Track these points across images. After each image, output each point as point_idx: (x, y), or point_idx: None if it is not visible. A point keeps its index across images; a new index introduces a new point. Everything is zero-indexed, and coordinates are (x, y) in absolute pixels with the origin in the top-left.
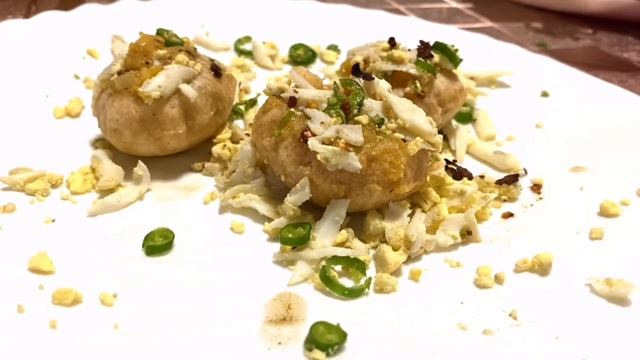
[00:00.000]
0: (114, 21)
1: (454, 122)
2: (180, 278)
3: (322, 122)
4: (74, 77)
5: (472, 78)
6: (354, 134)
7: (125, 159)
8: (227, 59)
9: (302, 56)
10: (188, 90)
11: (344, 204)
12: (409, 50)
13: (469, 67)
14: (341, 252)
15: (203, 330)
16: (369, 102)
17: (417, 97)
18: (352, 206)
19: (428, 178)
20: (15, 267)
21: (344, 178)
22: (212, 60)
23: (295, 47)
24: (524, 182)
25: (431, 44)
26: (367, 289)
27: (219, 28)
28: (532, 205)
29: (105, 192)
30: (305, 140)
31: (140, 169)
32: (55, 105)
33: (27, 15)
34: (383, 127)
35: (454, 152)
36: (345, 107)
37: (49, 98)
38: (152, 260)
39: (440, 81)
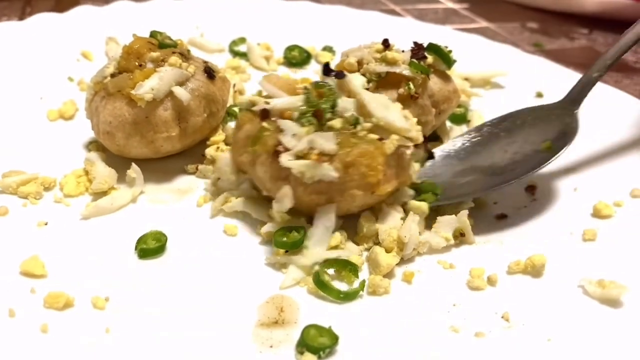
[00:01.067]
0: (108, 23)
1: (448, 123)
2: (172, 281)
3: (294, 134)
4: (67, 79)
5: (466, 79)
6: (326, 142)
7: (119, 162)
8: (221, 61)
9: (296, 57)
10: (181, 92)
11: (331, 210)
12: (403, 51)
13: (463, 68)
14: (333, 254)
15: (195, 333)
16: (343, 102)
17: (410, 99)
18: (337, 211)
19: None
20: (7, 270)
21: (322, 188)
22: (205, 62)
23: (290, 49)
24: (518, 183)
25: (425, 45)
26: (362, 292)
27: (213, 29)
28: (525, 206)
29: (99, 194)
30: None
31: (134, 171)
32: (49, 108)
33: (21, 17)
34: (359, 127)
35: None
36: (317, 115)
37: (42, 100)
38: (145, 264)
39: (434, 82)
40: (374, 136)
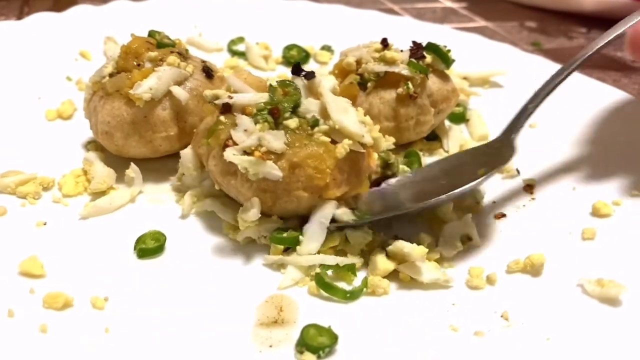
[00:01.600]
0: (107, 22)
1: (447, 123)
2: (172, 281)
3: (245, 130)
4: (66, 79)
5: (465, 78)
6: (275, 141)
7: (118, 161)
8: (220, 60)
9: (295, 57)
10: (179, 92)
11: (331, 206)
12: (402, 51)
13: (462, 67)
14: (331, 260)
15: (194, 333)
16: (307, 103)
17: (409, 98)
18: (284, 212)
19: None
20: (6, 271)
21: (268, 186)
22: (203, 61)
23: (288, 48)
24: (517, 183)
25: (424, 44)
26: (365, 289)
27: (211, 29)
28: (524, 205)
29: (97, 194)
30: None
31: (133, 171)
32: (47, 108)
33: (19, 16)
34: (316, 129)
35: (447, 153)
36: (273, 112)
37: (40, 100)
38: (144, 263)
39: (433, 82)
40: (326, 139)
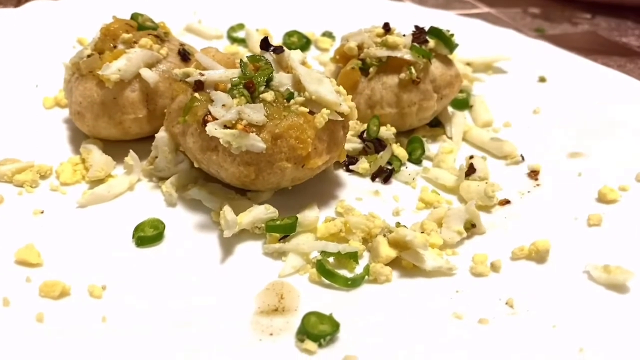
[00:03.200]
0: (105, 9)
1: (450, 109)
2: (170, 269)
3: (223, 105)
4: (63, 67)
5: (468, 64)
6: (255, 113)
7: (116, 150)
8: (219, 47)
9: (296, 43)
10: (148, 74)
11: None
12: (404, 35)
13: (465, 53)
14: (332, 247)
15: (193, 322)
16: (279, 77)
17: (412, 83)
18: (267, 185)
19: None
20: (2, 259)
21: (251, 159)
22: (182, 44)
23: (289, 34)
24: (522, 169)
25: (426, 29)
26: (367, 276)
27: (211, 16)
28: (529, 191)
29: (95, 182)
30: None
31: (131, 158)
32: (45, 95)
33: (17, 4)
34: (292, 101)
35: (450, 139)
36: (248, 86)
37: (38, 88)
38: (143, 252)
39: (436, 67)
40: (305, 109)
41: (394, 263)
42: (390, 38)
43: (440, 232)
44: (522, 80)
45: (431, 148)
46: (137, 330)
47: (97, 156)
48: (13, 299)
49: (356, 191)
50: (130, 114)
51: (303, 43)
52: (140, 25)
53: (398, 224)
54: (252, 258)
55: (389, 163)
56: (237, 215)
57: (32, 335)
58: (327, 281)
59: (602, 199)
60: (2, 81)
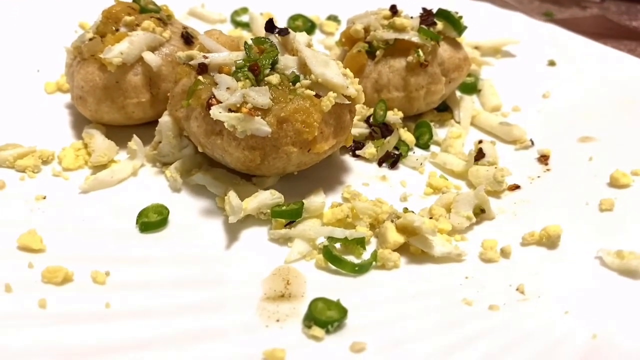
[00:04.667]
0: None
1: (458, 93)
2: (174, 255)
3: (228, 88)
4: (65, 51)
5: (476, 48)
6: (260, 96)
7: (119, 134)
8: (223, 31)
9: (300, 27)
10: (151, 57)
11: None
12: (412, 18)
13: (473, 37)
14: (339, 233)
15: (197, 308)
16: (284, 60)
17: (420, 67)
18: (273, 170)
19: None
20: (4, 245)
21: (256, 143)
22: (185, 27)
23: (293, 18)
24: (531, 154)
25: (434, 11)
26: (374, 262)
27: None
28: (539, 176)
29: (98, 168)
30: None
31: (135, 143)
32: (47, 80)
33: None
34: (298, 84)
35: (458, 124)
36: (253, 69)
37: (39, 73)
38: (146, 237)
39: (444, 50)
40: (311, 92)
41: (402, 249)
42: (397, 20)
43: (449, 217)
44: (532, 64)
45: (439, 133)
46: (140, 317)
47: (99, 141)
48: (15, 284)
49: (363, 176)
50: (133, 98)
51: (308, 27)
52: (142, 8)
53: (406, 210)
54: (258, 244)
55: (396, 148)
56: (242, 200)
57: (34, 321)
58: (333, 267)
59: (614, 183)
60: (3, 66)
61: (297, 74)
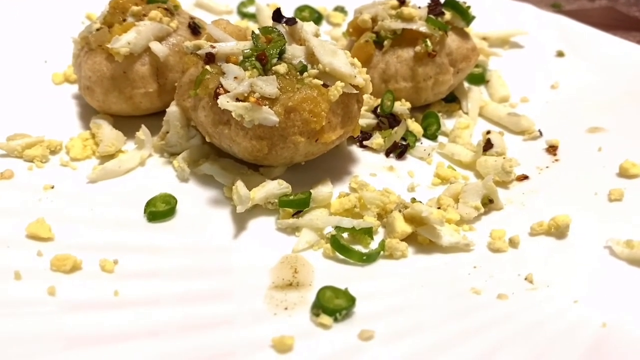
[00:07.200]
0: None
1: (466, 84)
2: (182, 244)
3: (235, 77)
4: (72, 42)
5: (484, 38)
6: (268, 86)
7: (126, 124)
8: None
9: (307, 18)
10: (158, 47)
11: None
12: (419, 7)
13: (481, 27)
14: (347, 222)
15: (206, 297)
16: (292, 49)
17: (427, 57)
18: (280, 160)
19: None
20: (13, 234)
21: (263, 133)
22: (192, 17)
23: (300, 9)
24: (540, 144)
25: (442, 0)
26: (382, 252)
27: None
28: (547, 167)
29: (106, 157)
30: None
31: (143, 133)
32: (54, 71)
33: None
34: (305, 74)
35: (466, 114)
36: (260, 58)
37: (47, 63)
38: (154, 227)
39: (452, 40)
40: (319, 82)
41: (409, 239)
42: (405, 10)
43: (457, 207)
44: (540, 55)
45: (447, 123)
46: (148, 305)
47: (107, 131)
48: (25, 272)
49: (370, 167)
50: (140, 88)
51: (314, 18)
52: None
53: (413, 200)
54: (266, 233)
55: (403, 139)
56: (249, 190)
57: (44, 308)
58: (341, 257)
59: (623, 173)
60: (12, 57)
61: (305, 63)
